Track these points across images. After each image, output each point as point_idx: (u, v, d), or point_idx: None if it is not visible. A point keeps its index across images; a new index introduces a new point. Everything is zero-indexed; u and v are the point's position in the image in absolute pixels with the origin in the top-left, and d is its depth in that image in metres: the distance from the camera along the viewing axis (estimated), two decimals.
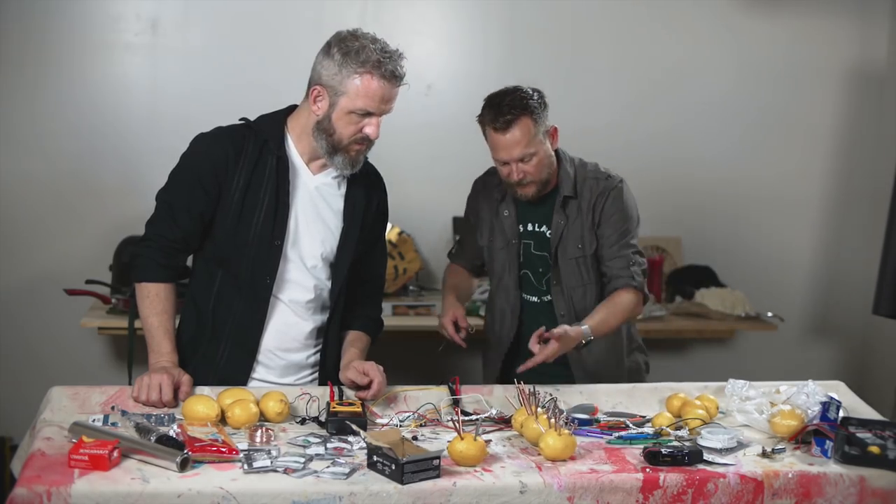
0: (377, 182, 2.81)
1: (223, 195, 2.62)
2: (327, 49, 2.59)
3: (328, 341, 2.75)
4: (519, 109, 2.85)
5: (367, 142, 2.62)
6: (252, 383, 2.70)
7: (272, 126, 2.67)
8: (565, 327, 2.81)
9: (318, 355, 2.76)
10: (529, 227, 3.04)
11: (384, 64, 2.54)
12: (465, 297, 3.24)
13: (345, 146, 2.61)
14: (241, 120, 2.70)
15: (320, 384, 2.73)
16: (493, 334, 3.20)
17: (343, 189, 2.72)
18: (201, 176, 2.62)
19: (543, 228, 3.02)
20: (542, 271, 3.04)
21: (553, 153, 2.96)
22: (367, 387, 2.59)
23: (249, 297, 2.65)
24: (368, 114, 2.57)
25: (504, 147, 2.88)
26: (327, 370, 2.75)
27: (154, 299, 2.62)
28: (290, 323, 2.70)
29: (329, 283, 2.73)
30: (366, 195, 2.75)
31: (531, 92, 2.91)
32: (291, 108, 2.71)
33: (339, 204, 2.71)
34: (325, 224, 2.70)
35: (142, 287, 2.64)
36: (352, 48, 2.54)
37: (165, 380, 2.49)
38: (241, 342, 2.67)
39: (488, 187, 3.11)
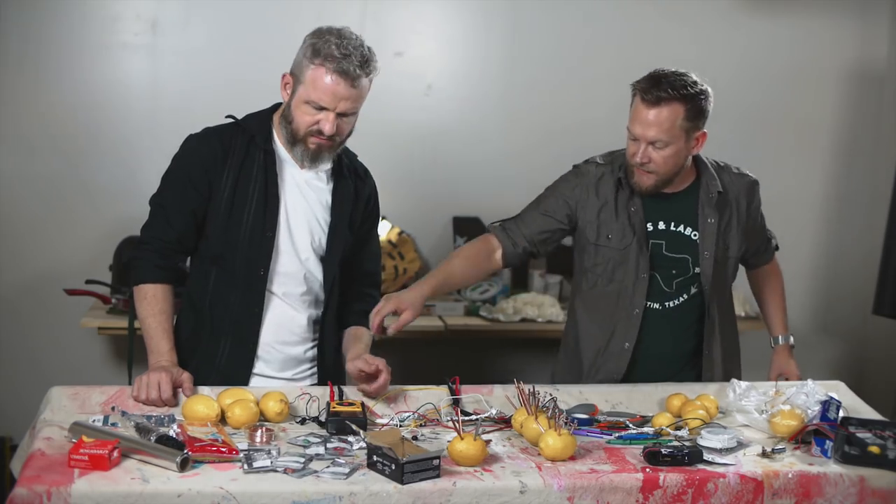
0: (366, 178, 2.83)
1: (214, 193, 2.65)
2: (304, 38, 2.63)
3: (324, 335, 2.77)
4: (676, 92, 2.71)
5: (327, 138, 2.61)
6: (253, 379, 2.71)
7: (259, 122, 2.70)
8: (782, 354, 3.06)
9: (315, 350, 2.77)
10: (661, 226, 2.83)
11: (338, 61, 2.55)
12: (454, 285, 2.92)
13: (302, 137, 2.62)
14: (227, 117, 2.72)
15: (318, 379, 2.75)
16: (588, 346, 2.90)
17: (331, 184, 2.74)
18: (191, 175, 2.65)
19: (681, 228, 2.83)
20: (676, 273, 2.83)
21: (689, 157, 2.79)
22: (372, 379, 2.61)
23: (245, 292, 2.67)
24: (322, 108, 2.58)
25: (642, 121, 2.71)
26: (326, 366, 2.77)
27: (151, 300, 2.63)
28: (287, 316, 2.72)
29: (321, 278, 2.74)
30: (353, 190, 2.77)
31: (700, 84, 2.77)
32: (278, 105, 2.73)
33: (328, 198, 2.74)
34: (314, 217, 2.72)
35: (139, 289, 2.66)
36: (318, 41, 2.58)
37: (164, 378, 2.49)
38: (241, 337, 2.69)
39: (600, 177, 2.85)
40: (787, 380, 3.02)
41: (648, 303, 2.83)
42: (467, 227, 4.54)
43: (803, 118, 4.78)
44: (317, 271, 2.74)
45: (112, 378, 4.27)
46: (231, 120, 2.72)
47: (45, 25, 4.22)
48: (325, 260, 2.73)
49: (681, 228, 2.83)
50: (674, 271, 2.83)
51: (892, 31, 4.76)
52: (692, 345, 2.89)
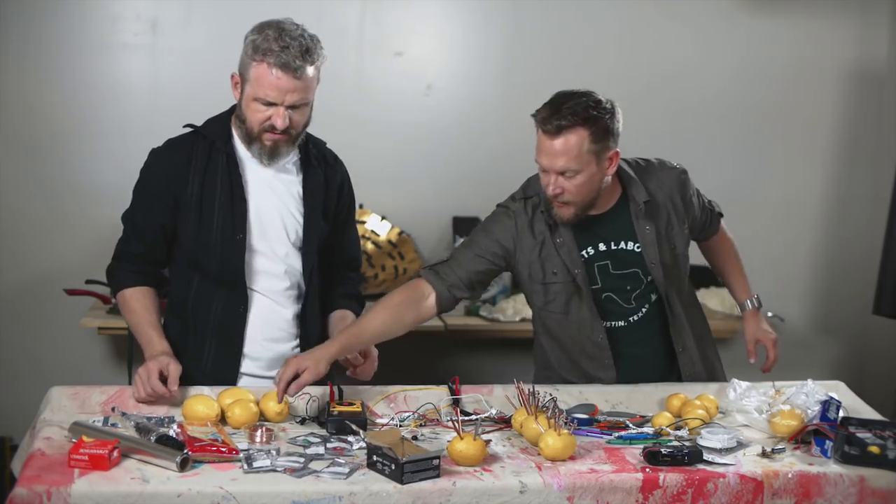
0: (336, 165, 2.84)
1: (181, 203, 2.66)
2: (245, 35, 2.64)
3: (306, 330, 2.78)
4: (577, 118, 2.54)
5: (282, 132, 2.60)
6: (243, 380, 2.71)
7: (217, 126, 2.71)
8: (751, 321, 3.02)
9: (299, 349, 2.78)
10: (602, 248, 2.73)
11: (277, 54, 2.54)
12: (368, 340, 2.66)
13: (256, 134, 2.62)
14: (185, 126, 2.73)
15: None
16: (567, 370, 2.83)
17: (301, 175, 2.75)
18: (156, 189, 2.68)
19: (622, 244, 2.74)
20: (632, 287, 2.75)
21: (606, 178, 2.66)
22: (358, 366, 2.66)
23: (227, 293, 2.69)
24: (271, 104, 2.57)
25: (547, 153, 2.58)
26: None
27: (131, 301, 2.68)
28: (273, 312, 2.73)
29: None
30: (324, 179, 2.78)
31: (604, 103, 2.60)
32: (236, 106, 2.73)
33: (299, 189, 2.74)
34: (287, 211, 2.72)
35: (119, 296, 2.71)
36: (258, 36, 2.58)
37: (150, 367, 2.50)
38: (226, 339, 2.69)
39: (532, 215, 2.74)
40: (765, 346, 3.02)
41: (612, 323, 2.77)
42: (467, 227, 4.54)
43: (803, 118, 4.78)
44: (298, 265, 2.75)
45: (112, 378, 4.27)
46: (191, 129, 2.73)
47: (45, 25, 4.22)
48: (303, 251, 2.74)
49: (622, 245, 2.74)
50: (628, 287, 2.75)
51: (892, 31, 4.76)
52: (668, 346, 2.83)
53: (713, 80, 4.68)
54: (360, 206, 4.44)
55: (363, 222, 4.42)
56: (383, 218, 4.46)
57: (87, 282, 4.07)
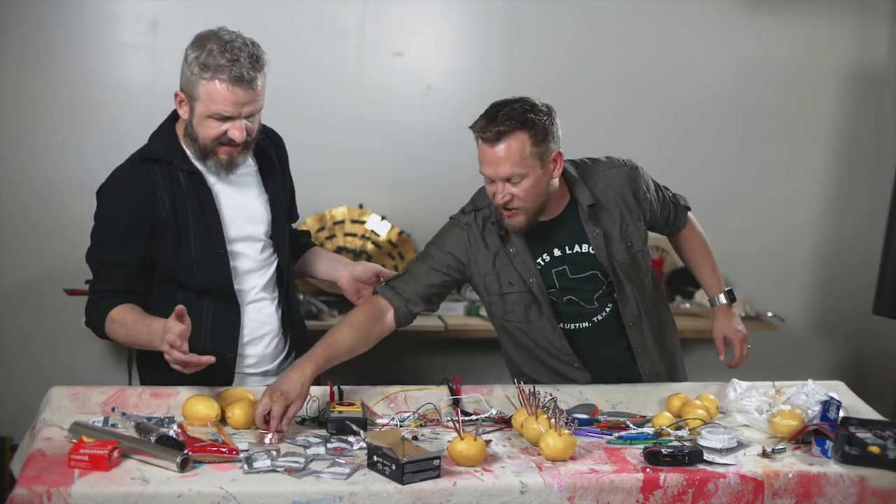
0: (278, 140, 2.84)
1: (156, 228, 2.58)
2: (185, 52, 2.57)
3: (291, 318, 2.78)
4: (515, 122, 2.55)
5: (238, 144, 2.56)
6: (247, 381, 2.70)
7: (168, 145, 2.65)
8: (721, 317, 2.92)
9: (284, 340, 2.78)
10: (557, 253, 2.71)
11: (228, 68, 2.48)
12: (341, 357, 2.59)
13: (211, 149, 2.57)
14: (138, 155, 2.67)
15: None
16: (542, 376, 2.81)
17: (257, 165, 2.73)
18: (128, 221, 2.58)
19: (577, 248, 2.72)
20: (593, 289, 2.74)
21: (553, 181, 2.64)
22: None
23: (216, 304, 2.65)
24: (227, 118, 2.53)
25: (490, 161, 2.59)
26: (296, 349, 2.78)
27: (119, 317, 2.56)
28: (259, 310, 2.72)
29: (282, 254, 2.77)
30: (276, 158, 2.78)
31: (539, 107, 2.61)
32: (174, 116, 2.68)
33: (260, 179, 2.73)
34: (257, 205, 2.71)
35: (107, 322, 2.59)
36: (201, 52, 2.52)
37: (169, 325, 2.39)
38: (221, 345, 2.65)
39: (483, 226, 2.74)
40: (732, 344, 2.92)
41: (576, 324, 2.76)
42: None
43: (803, 118, 4.78)
44: (275, 253, 2.75)
45: (112, 378, 4.27)
46: (136, 152, 2.68)
47: (45, 25, 4.22)
48: (275, 238, 2.74)
49: (577, 248, 2.72)
50: (588, 289, 2.73)
51: (892, 31, 4.76)
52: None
53: (713, 80, 4.69)
54: (360, 206, 4.45)
55: (363, 222, 4.42)
56: (383, 218, 4.46)
57: (87, 282, 4.07)
